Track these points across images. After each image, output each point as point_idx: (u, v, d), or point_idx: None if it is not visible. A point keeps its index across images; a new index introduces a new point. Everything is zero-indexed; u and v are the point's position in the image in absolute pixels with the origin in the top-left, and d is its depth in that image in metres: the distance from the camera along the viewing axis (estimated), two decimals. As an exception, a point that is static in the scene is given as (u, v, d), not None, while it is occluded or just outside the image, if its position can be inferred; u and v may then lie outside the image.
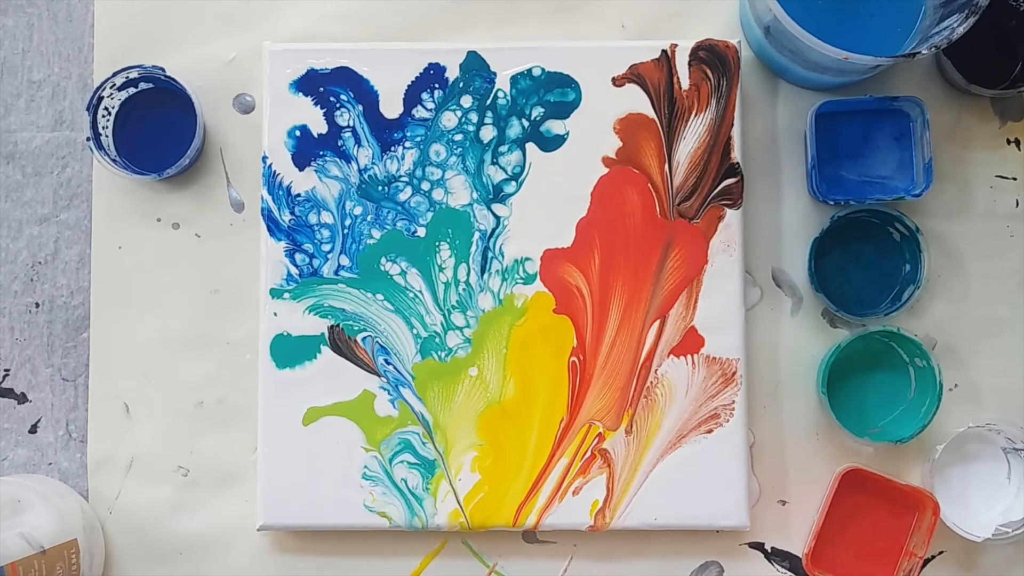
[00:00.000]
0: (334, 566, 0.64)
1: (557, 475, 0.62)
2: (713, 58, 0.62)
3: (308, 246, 0.63)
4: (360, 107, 0.63)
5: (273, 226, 0.63)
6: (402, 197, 0.63)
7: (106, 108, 0.64)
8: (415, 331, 0.63)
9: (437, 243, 0.63)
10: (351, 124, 0.63)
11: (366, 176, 0.63)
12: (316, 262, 0.63)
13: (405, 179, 0.63)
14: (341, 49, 0.63)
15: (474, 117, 0.63)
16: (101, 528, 0.64)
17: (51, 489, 0.62)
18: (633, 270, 0.62)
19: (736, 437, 0.62)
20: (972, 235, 0.65)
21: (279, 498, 0.62)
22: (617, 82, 0.63)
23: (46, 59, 0.67)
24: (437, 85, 0.63)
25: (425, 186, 0.63)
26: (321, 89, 0.63)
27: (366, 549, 0.64)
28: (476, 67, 0.63)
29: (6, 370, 0.66)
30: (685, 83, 0.63)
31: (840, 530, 0.62)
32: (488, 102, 0.63)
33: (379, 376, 0.62)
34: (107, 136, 0.64)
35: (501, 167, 0.63)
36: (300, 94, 0.63)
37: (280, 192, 0.63)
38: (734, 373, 0.62)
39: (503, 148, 0.63)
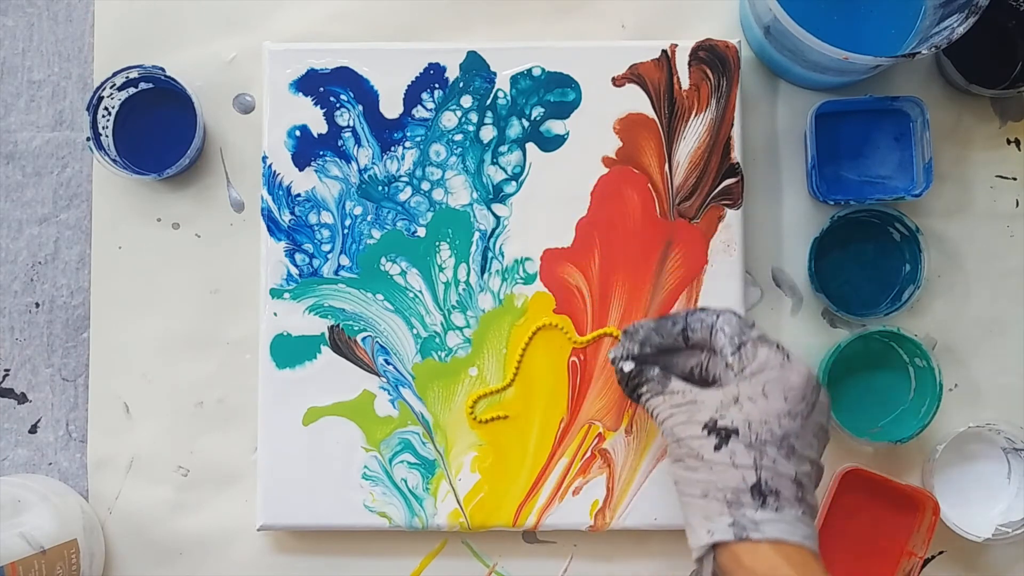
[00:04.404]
0: (334, 566, 0.64)
1: (557, 475, 0.62)
2: (713, 58, 0.62)
3: (308, 246, 0.63)
4: (360, 107, 0.63)
5: (273, 226, 0.63)
6: (402, 197, 0.63)
7: (106, 108, 0.64)
8: (415, 331, 0.63)
9: (437, 243, 0.63)
10: (351, 124, 0.63)
11: (366, 176, 0.63)
12: (316, 262, 0.63)
13: (405, 179, 0.63)
14: (341, 49, 0.63)
15: (474, 117, 0.63)
16: (101, 528, 0.64)
17: (51, 489, 0.62)
18: (633, 270, 0.62)
19: (736, 437, 0.62)
20: (972, 235, 0.65)
21: (279, 498, 0.62)
22: (617, 82, 0.63)
23: (46, 59, 0.67)
24: (437, 85, 0.63)
25: (425, 186, 0.63)
26: (321, 89, 0.63)
27: (366, 549, 0.64)
28: (476, 67, 0.63)
29: (6, 370, 0.66)
30: (685, 83, 0.63)
31: (840, 530, 0.62)
32: (488, 102, 0.63)
33: (379, 376, 0.62)
34: (107, 136, 0.64)
35: (501, 167, 0.63)
36: (300, 94, 0.63)
37: (280, 192, 0.63)
38: (734, 373, 0.62)
39: (503, 148, 0.63)
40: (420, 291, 0.63)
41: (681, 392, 0.52)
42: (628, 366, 0.54)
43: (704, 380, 0.54)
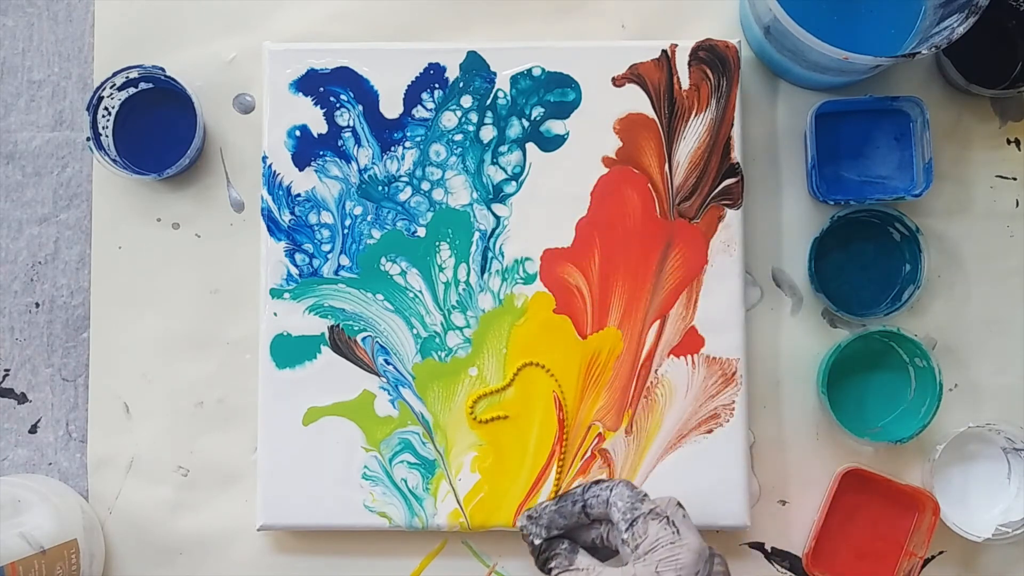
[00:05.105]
0: (334, 566, 0.64)
1: (557, 475, 0.62)
2: (713, 58, 0.62)
3: (308, 246, 0.63)
4: (360, 107, 0.63)
5: (273, 226, 0.63)
6: (402, 197, 0.63)
7: (106, 108, 0.64)
8: (415, 331, 0.63)
9: (437, 243, 0.63)
10: (351, 124, 0.63)
11: (366, 176, 0.63)
12: (316, 262, 0.63)
13: (405, 179, 0.63)
14: (341, 49, 0.63)
15: (474, 117, 0.63)
16: (101, 528, 0.64)
17: (51, 489, 0.62)
18: (633, 270, 0.62)
19: (736, 437, 0.62)
20: (972, 235, 0.65)
21: (279, 498, 0.62)
22: (617, 82, 0.63)
23: (46, 59, 0.67)
24: (437, 85, 0.63)
25: (425, 186, 0.63)
26: (321, 89, 0.63)
27: (366, 549, 0.64)
28: (476, 67, 0.63)
29: (6, 370, 0.66)
30: (685, 83, 0.63)
31: (840, 530, 0.62)
32: (488, 102, 0.63)
33: (379, 376, 0.62)
34: (107, 136, 0.64)
35: (501, 167, 0.63)
36: (300, 94, 0.63)
37: (280, 192, 0.63)
38: (734, 373, 0.62)
39: (503, 148, 0.63)
40: (420, 291, 0.63)
41: (586, 570, 0.53)
42: (538, 540, 0.55)
43: (609, 548, 0.56)
